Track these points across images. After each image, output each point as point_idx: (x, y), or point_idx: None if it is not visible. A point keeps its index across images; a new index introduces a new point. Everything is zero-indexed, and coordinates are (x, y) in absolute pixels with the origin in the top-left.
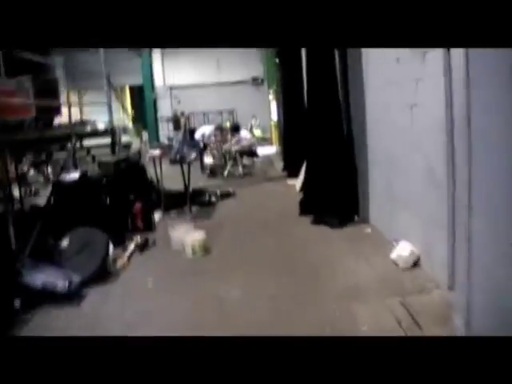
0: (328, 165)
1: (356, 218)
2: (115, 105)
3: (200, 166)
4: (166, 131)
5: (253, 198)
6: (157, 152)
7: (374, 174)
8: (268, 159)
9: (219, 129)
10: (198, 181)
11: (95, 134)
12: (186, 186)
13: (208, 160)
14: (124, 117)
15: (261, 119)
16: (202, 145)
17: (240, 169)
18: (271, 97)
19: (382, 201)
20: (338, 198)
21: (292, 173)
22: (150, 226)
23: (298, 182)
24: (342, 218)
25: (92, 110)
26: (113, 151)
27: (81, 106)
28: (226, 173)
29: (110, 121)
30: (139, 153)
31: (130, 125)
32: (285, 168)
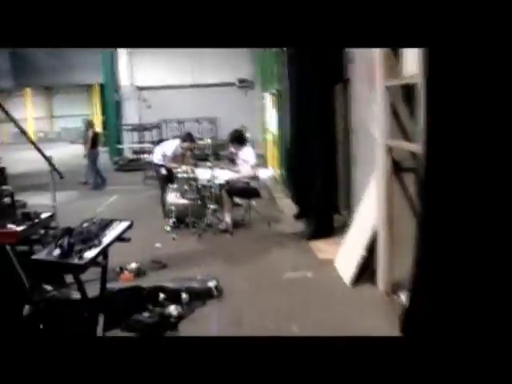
0: None
1: None
2: (87, 107)
3: (162, 207)
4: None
5: (259, 305)
6: None
7: None
8: (266, 190)
9: (188, 139)
10: (154, 239)
11: None
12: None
13: (173, 199)
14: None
15: (250, 131)
16: (163, 172)
17: (228, 219)
18: (266, 101)
19: None
20: None
21: (319, 229)
22: None
23: (343, 260)
24: None
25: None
26: None
27: None
28: (202, 227)
29: None
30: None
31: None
32: (300, 215)
